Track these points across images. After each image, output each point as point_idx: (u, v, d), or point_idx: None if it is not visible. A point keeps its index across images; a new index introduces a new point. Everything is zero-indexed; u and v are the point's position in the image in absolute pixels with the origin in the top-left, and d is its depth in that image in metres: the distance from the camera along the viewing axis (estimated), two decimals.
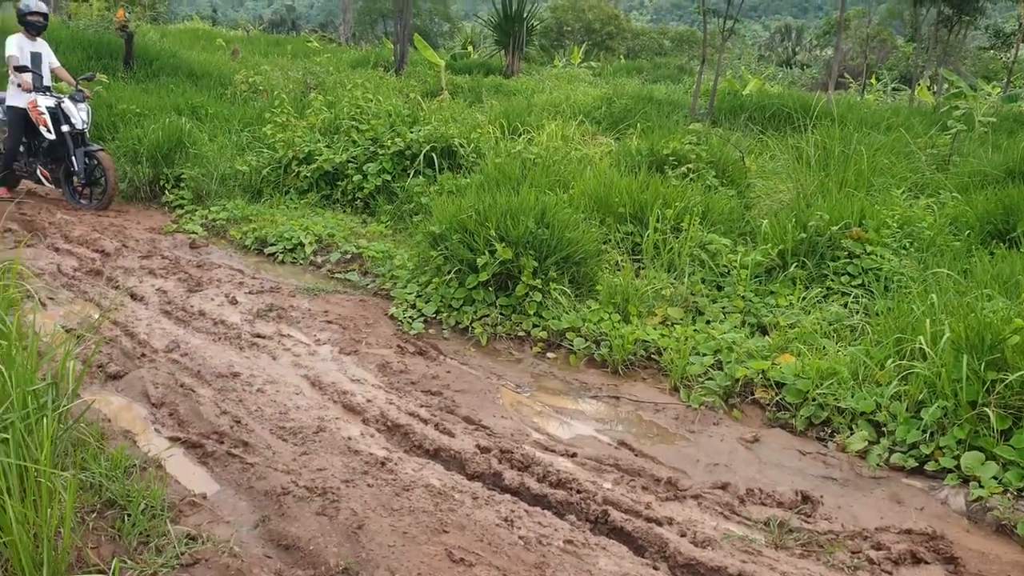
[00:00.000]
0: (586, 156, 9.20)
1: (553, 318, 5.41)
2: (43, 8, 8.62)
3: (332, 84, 12.67)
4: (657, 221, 6.41)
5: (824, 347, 4.88)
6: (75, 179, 8.39)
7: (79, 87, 8.51)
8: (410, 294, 5.89)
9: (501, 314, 5.52)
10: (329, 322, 5.51)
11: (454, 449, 3.88)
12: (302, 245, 7.14)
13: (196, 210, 8.15)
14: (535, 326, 5.41)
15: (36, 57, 8.37)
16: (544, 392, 4.76)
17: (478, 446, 3.94)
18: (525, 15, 21.61)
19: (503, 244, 5.57)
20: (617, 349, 5.05)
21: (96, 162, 8.29)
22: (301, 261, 7.00)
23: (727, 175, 8.33)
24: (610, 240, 6.52)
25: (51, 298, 5.67)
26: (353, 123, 9.02)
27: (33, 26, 8.37)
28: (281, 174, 8.82)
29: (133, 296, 5.87)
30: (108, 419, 3.95)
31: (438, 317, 5.62)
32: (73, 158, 8.22)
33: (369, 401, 4.37)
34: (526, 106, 11.51)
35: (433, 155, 8.35)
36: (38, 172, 8.50)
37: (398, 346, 5.21)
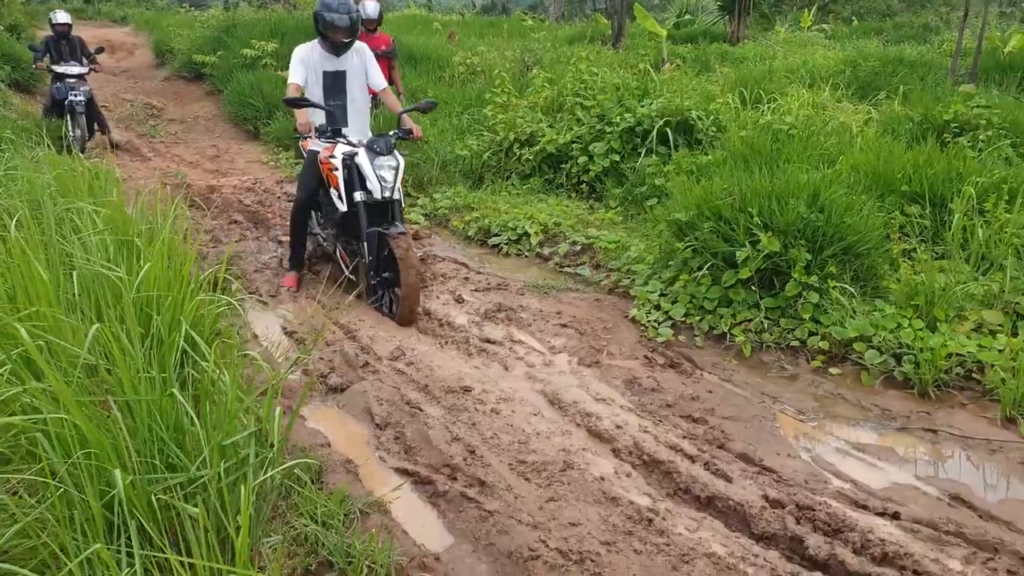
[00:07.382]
0: (843, 125, 7.96)
1: (834, 324, 4.41)
2: None
3: (551, 61, 12.05)
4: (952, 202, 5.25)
5: None
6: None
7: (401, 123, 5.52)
8: (652, 292, 5.09)
9: (767, 318, 4.59)
10: (563, 325, 4.83)
11: (734, 499, 3.07)
12: (527, 235, 6.53)
13: (418, 199, 7.77)
14: (812, 334, 4.43)
15: (337, 77, 5.43)
16: (835, 421, 3.82)
17: (765, 497, 3.10)
18: None
19: (768, 233, 4.66)
20: (925, 365, 4.00)
21: (387, 252, 5.01)
22: (527, 253, 6.39)
23: None
24: (890, 225, 5.40)
25: (273, 295, 5.41)
26: (578, 99, 8.32)
27: (332, 31, 5.24)
28: (503, 158, 8.30)
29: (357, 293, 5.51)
30: (328, 443, 3.49)
31: (688, 321, 4.78)
32: (364, 241, 5.07)
33: (619, 428, 3.64)
34: (766, 71, 10.30)
35: (668, 131, 7.47)
36: (337, 253, 5.57)
37: (645, 357, 4.43)
